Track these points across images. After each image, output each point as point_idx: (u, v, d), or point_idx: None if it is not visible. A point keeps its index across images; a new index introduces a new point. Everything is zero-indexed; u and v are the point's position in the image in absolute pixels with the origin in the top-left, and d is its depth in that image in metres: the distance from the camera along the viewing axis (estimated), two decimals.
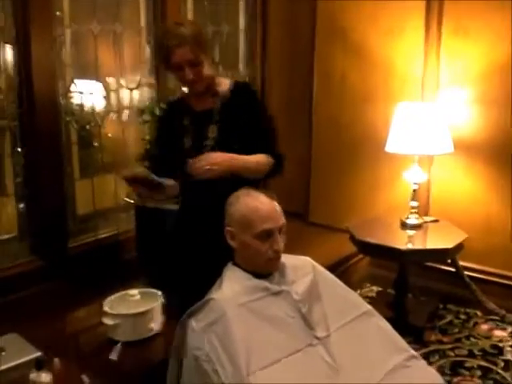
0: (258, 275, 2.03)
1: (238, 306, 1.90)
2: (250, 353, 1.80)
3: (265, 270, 2.04)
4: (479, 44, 3.72)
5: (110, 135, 3.60)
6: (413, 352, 2.08)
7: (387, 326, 2.13)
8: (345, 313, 2.10)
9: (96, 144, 3.53)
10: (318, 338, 1.97)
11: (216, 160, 2.24)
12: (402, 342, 2.11)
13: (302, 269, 2.13)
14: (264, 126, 2.52)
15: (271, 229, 1.99)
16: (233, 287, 1.98)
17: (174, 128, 2.60)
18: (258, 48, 4.30)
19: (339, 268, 3.65)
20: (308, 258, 2.20)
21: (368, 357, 1.99)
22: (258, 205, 2.01)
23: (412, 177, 3.75)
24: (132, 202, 3.22)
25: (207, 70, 2.42)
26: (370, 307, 2.16)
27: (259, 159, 2.42)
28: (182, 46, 2.32)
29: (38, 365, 2.14)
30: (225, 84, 2.55)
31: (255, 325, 1.89)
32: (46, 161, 3.17)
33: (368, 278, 4.32)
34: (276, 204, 2.04)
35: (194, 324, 1.94)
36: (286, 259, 2.09)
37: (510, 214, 3.80)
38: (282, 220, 2.03)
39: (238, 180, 2.27)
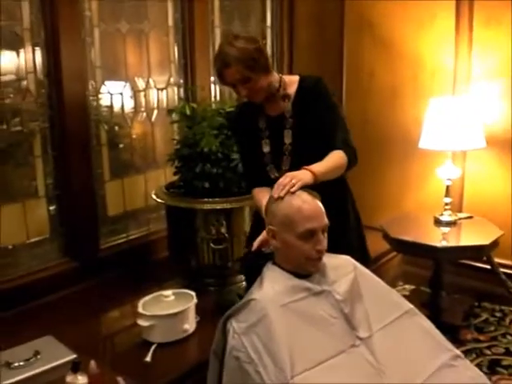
0: (298, 275, 1.99)
1: (280, 307, 1.86)
2: (293, 354, 1.76)
3: (306, 270, 2.00)
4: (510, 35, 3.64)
5: (139, 136, 3.59)
6: (457, 351, 2.03)
7: (430, 325, 2.08)
8: (387, 312, 2.04)
9: (125, 145, 3.52)
10: (360, 339, 1.92)
11: (297, 183, 2.15)
12: (445, 341, 2.05)
13: (342, 268, 2.09)
14: (333, 122, 2.45)
15: (315, 228, 1.95)
16: (274, 287, 1.93)
17: (250, 131, 2.54)
18: (286, 45, 4.26)
19: (371, 267, 3.60)
20: (349, 257, 2.15)
21: (412, 356, 1.94)
22: (301, 204, 1.96)
23: (445, 173, 3.69)
24: (161, 201, 3.20)
25: (264, 81, 2.36)
26: (411, 306, 2.11)
27: (335, 159, 2.34)
28: (229, 67, 2.30)
29: (74, 367, 2.14)
30: (294, 84, 2.49)
31: (298, 326, 1.85)
32: (76, 162, 3.17)
33: (401, 276, 4.26)
34: (319, 203, 2.00)
35: (235, 325, 1.90)
36: (327, 259, 2.04)
37: None
38: (325, 220, 1.98)
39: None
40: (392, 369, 1.87)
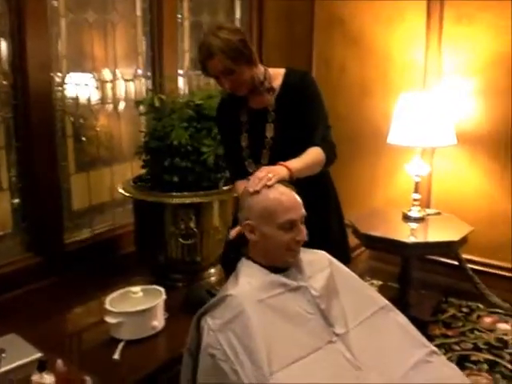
0: (274, 270, 1.96)
1: (256, 303, 1.82)
2: (270, 351, 1.72)
3: (285, 261, 1.97)
4: (484, 32, 3.68)
5: (105, 128, 3.50)
6: (433, 347, 2.02)
7: (406, 321, 2.07)
8: (363, 308, 2.03)
9: (91, 137, 3.44)
10: (337, 335, 1.90)
11: (273, 177, 2.10)
12: (421, 336, 2.05)
13: (318, 263, 2.06)
14: (315, 117, 2.42)
15: (295, 219, 1.92)
16: (250, 282, 1.90)
17: (231, 124, 2.52)
18: (255, 39, 4.21)
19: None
20: (324, 253, 2.13)
21: (389, 352, 1.93)
22: (279, 196, 1.94)
23: (414, 169, 3.70)
24: (129, 195, 3.13)
25: (247, 74, 2.33)
26: (387, 302, 2.10)
27: (312, 156, 2.31)
28: (212, 58, 2.27)
29: (41, 366, 2.08)
30: (279, 77, 2.45)
31: (275, 322, 1.81)
32: (40, 154, 3.07)
33: (368, 271, 4.28)
34: (296, 195, 1.97)
35: (210, 322, 1.85)
36: (302, 254, 2.01)
37: None
38: (303, 210, 1.96)
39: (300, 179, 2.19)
40: (369, 365, 1.86)
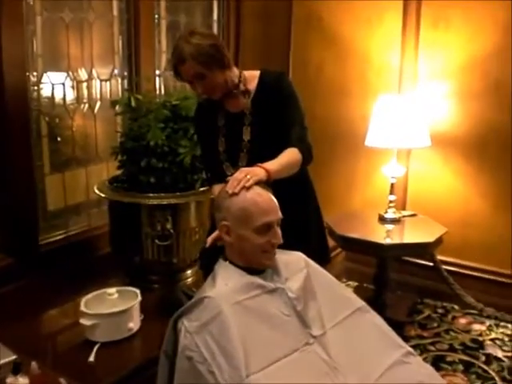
0: (251, 272, 1.95)
1: (233, 305, 1.81)
2: (247, 353, 1.71)
3: (261, 264, 1.96)
4: (459, 36, 3.71)
5: (81, 128, 3.47)
6: (409, 348, 2.03)
7: (382, 322, 2.08)
8: (339, 309, 2.03)
9: (67, 137, 3.40)
10: (314, 337, 1.90)
11: (251, 178, 2.09)
12: (397, 337, 2.06)
13: (294, 264, 2.06)
14: (292, 118, 2.42)
15: (271, 221, 1.92)
16: (227, 284, 1.88)
17: (208, 128, 2.53)
18: (232, 39, 4.20)
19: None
20: (300, 254, 2.12)
21: (365, 353, 1.93)
22: (256, 197, 1.93)
23: (390, 171, 3.72)
24: (104, 196, 3.10)
25: (220, 78, 2.34)
26: (363, 303, 2.10)
27: (289, 157, 2.30)
28: (183, 64, 2.29)
29: (15, 369, 2.05)
30: (255, 79, 2.46)
31: (252, 324, 1.80)
32: (15, 154, 3.03)
33: (344, 273, 4.29)
34: (272, 196, 1.97)
35: (187, 324, 1.84)
36: (278, 255, 2.01)
37: (488, 208, 3.80)
38: (279, 213, 1.95)
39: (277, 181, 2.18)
40: (346, 366, 1.86)
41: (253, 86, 2.45)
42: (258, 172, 2.06)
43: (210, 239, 2.13)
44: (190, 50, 2.26)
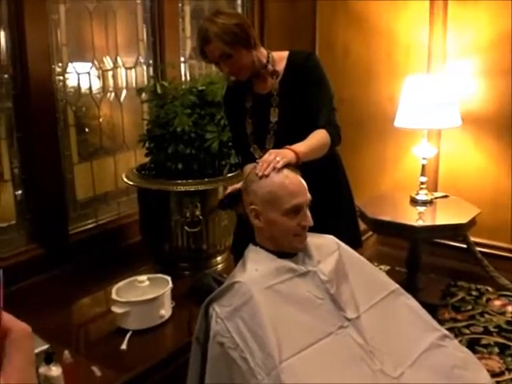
0: (282, 255, 1.92)
1: (265, 289, 1.78)
2: (280, 338, 1.68)
3: (293, 247, 1.93)
4: (488, 12, 3.61)
5: (108, 117, 3.47)
6: (445, 331, 1.99)
7: (416, 305, 2.03)
8: (373, 292, 1.99)
9: (94, 126, 3.40)
10: (348, 320, 1.86)
11: (281, 160, 2.07)
12: (432, 320, 2.01)
13: (326, 247, 2.02)
14: (320, 99, 2.37)
15: (301, 204, 1.88)
16: (258, 269, 1.86)
17: (236, 111, 2.51)
18: (257, 21, 4.15)
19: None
20: (332, 237, 2.08)
21: (400, 337, 1.89)
22: (284, 180, 1.90)
23: (421, 152, 3.65)
24: (133, 184, 3.09)
25: (246, 58, 2.31)
26: (397, 286, 2.06)
27: (318, 139, 2.27)
28: (209, 44, 2.28)
29: (48, 358, 2.06)
30: (283, 60, 2.43)
31: (284, 308, 1.78)
32: (43, 145, 3.04)
33: (376, 256, 4.23)
34: (301, 178, 1.93)
35: (218, 310, 1.81)
36: (310, 238, 1.97)
37: None
38: (309, 194, 1.92)
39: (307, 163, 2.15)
40: (381, 349, 1.82)
41: (281, 66, 2.41)
42: (286, 154, 2.02)
43: (230, 188, 2.15)
44: (215, 30, 2.24)
